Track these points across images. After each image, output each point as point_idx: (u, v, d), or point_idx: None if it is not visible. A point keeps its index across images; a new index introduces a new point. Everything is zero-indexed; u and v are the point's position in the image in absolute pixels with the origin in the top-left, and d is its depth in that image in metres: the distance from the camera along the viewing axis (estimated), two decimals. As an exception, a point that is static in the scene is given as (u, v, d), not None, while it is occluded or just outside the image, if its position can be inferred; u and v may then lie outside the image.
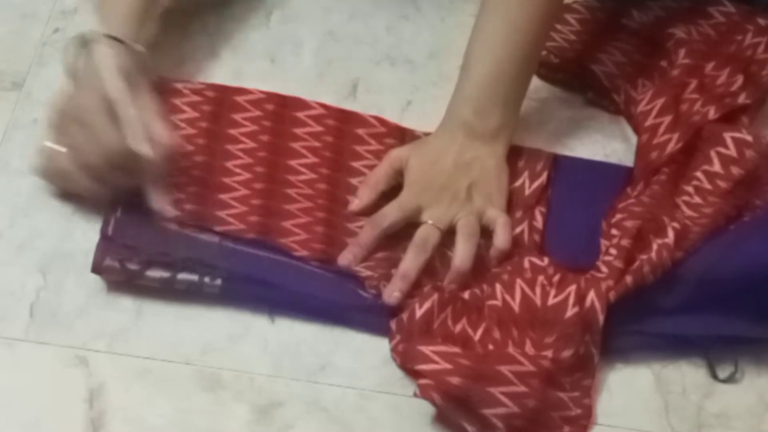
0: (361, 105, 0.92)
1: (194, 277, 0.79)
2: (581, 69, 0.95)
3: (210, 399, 0.77)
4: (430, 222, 0.83)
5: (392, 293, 0.80)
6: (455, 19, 0.99)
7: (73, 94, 0.80)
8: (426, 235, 0.82)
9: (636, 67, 0.95)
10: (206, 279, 0.79)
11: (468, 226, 0.83)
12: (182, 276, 0.79)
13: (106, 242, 0.80)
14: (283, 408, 0.77)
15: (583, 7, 0.99)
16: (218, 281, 0.79)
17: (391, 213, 0.83)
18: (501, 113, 0.85)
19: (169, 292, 0.80)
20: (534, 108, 0.94)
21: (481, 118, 0.85)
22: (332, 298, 0.81)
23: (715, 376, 0.82)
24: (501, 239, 0.83)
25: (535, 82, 0.95)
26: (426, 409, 0.78)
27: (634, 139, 0.93)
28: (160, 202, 0.80)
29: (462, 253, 0.82)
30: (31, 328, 0.79)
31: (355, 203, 0.85)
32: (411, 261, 0.81)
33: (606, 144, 0.93)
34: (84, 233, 0.82)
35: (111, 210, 0.81)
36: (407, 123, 0.92)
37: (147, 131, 0.78)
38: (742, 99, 0.89)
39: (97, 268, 0.79)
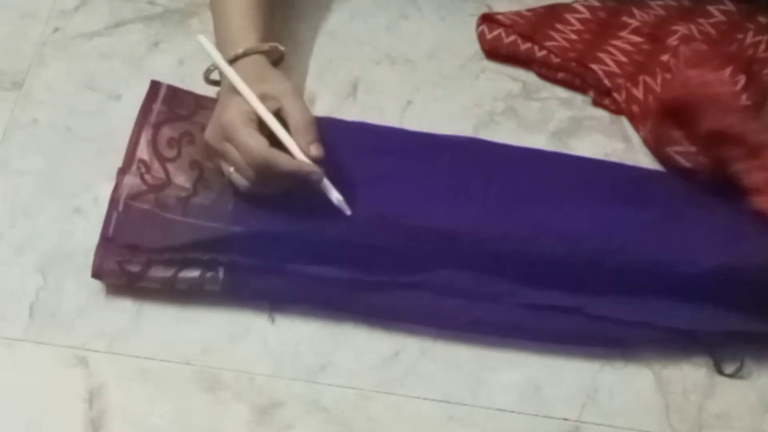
0: (361, 105, 0.92)
1: (195, 274, 0.79)
2: (582, 68, 0.95)
3: (210, 399, 0.77)
4: None
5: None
6: (455, 19, 0.99)
7: (216, 120, 0.82)
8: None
9: (637, 66, 0.95)
10: (208, 274, 0.79)
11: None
12: (183, 274, 0.79)
13: (105, 245, 0.80)
14: (283, 408, 0.77)
15: (584, 7, 0.99)
16: (220, 274, 0.79)
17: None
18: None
19: (170, 292, 0.80)
20: (534, 108, 0.94)
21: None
22: (337, 277, 0.80)
23: (721, 372, 0.82)
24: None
25: (535, 81, 0.96)
26: (426, 409, 0.78)
27: (634, 138, 0.93)
28: (336, 195, 0.80)
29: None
30: (31, 328, 0.79)
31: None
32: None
33: (606, 144, 0.93)
34: (84, 233, 0.82)
35: (111, 210, 0.81)
36: (407, 123, 0.92)
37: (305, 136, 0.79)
38: (743, 100, 0.89)
39: (97, 273, 0.79)
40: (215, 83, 0.88)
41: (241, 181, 0.80)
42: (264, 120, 0.80)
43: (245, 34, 0.85)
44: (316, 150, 0.79)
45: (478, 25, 0.98)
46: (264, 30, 0.87)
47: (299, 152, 0.79)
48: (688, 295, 0.82)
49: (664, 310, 0.82)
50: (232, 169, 0.81)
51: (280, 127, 0.80)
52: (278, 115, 0.81)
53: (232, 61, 0.84)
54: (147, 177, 0.83)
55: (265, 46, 0.86)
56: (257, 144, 0.78)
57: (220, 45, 0.86)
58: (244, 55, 0.84)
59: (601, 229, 0.83)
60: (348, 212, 0.80)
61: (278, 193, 0.81)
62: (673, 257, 0.82)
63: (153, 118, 0.87)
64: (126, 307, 0.80)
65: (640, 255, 0.82)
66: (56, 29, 0.94)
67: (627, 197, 0.85)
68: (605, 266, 0.81)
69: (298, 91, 0.83)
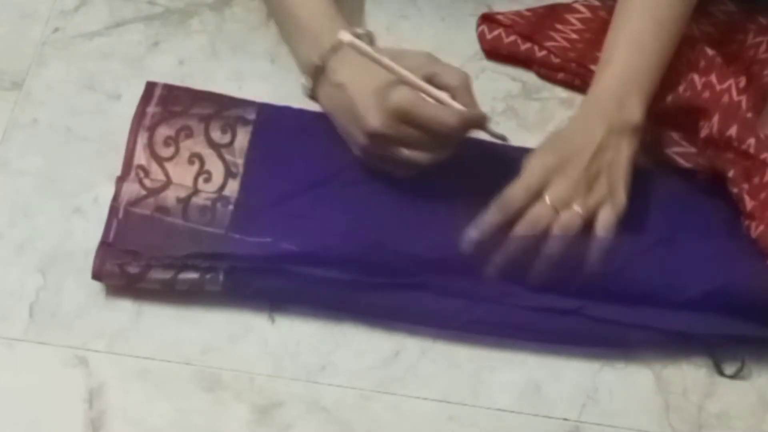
0: (362, 105, 0.92)
1: (195, 276, 0.79)
2: (582, 68, 0.95)
3: (210, 399, 0.77)
4: (548, 201, 0.80)
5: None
6: (455, 19, 0.99)
7: (381, 103, 0.79)
8: (538, 217, 0.79)
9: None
10: (208, 276, 0.79)
11: (569, 223, 0.80)
12: (183, 276, 0.79)
13: (106, 249, 0.80)
14: (283, 408, 0.77)
15: (584, 6, 0.98)
16: (220, 276, 0.79)
17: (516, 196, 0.80)
18: (641, 108, 0.84)
19: (170, 292, 0.80)
20: (534, 108, 0.94)
21: (623, 112, 0.83)
22: (338, 278, 0.80)
23: (721, 373, 0.82)
24: (600, 227, 0.81)
25: (535, 81, 0.96)
26: (426, 409, 0.78)
27: (634, 138, 0.93)
28: (502, 133, 0.83)
29: (549, 248, 0.80)
30: (31, 328, 0.79)
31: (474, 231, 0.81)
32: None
33: (606, 144, 0.93)
34: (84, 233, 0.82)
35: (111, 217, 0.81)
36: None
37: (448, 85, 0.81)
38: (744, 102, 0.89)
39: (97, 275, 0.79)
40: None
41: (423, 157, 0.80)
42: (424, 90, 0.80)
43: (336, 20, 0.86)
44: (479, 109, 0.82)
45: (478, 25, 0.98)
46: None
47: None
48: (685, 307, 0.82)
49: (663, 314, 0.82)
50: (407, 151, 0.80)
51: (443, 95, 0.80)
52: (432, 82, 0.81)
53: (346, 45, 0.81)
54: (146, 181, 0.83)
55: (364, 31, 0.87)
56: (449, 111, 0.79)
57: (307, 39, 0.85)
58: (360, 38, 0.82)
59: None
60: (511, 141, 0.84)
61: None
62: (666, 283, 0.82)
63: (147, 121, 0.86)
64: (126, 307, 0.80)
65: (635, 280, 0.82)
66: (56, 29, 0.94)
67: (626, 222, 0.84)
68: (601, 286, 0.82)
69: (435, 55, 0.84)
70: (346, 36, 0.80)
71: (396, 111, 0.79)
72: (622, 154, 0.83)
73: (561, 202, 0.80)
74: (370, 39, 0.88)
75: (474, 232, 0.80)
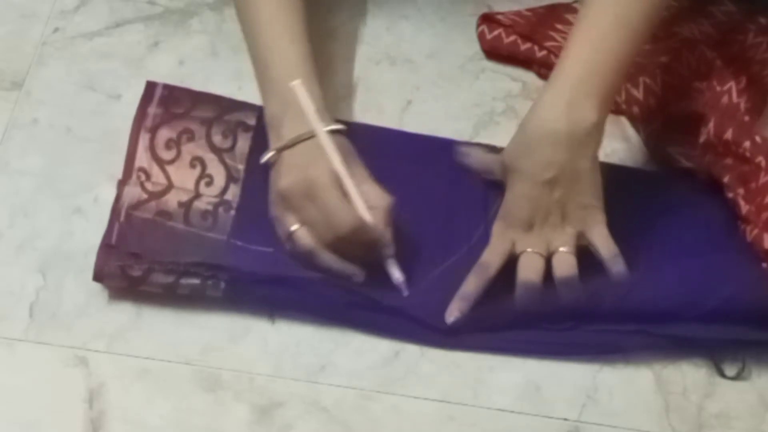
0: (361, 105, 0.92)
1: (197, 281, 0.79)
2: (582, 69, 0.95)
3: (210, 399, 0.77)
4: (529, 250, 0.81)
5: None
6: (455, 19, 0.99)
7: (300, 173, 0.79)
8: (530, 264, 0.80)
9: (637, 66, 0.95)
10: (209, 282, 0.79)
11: (564, 264, 0.80)
12: (185, 281, 0.79)
13: (107, 251, 0.79)
14: (283, 408, 0.77)
15: (584, 7, 0.98)
16: (221, 285, 0.79)
17: (492, 261, 0.81)
18: (597, 109, 0.79)
19: (171, 295, 0.80)
20: (534, 108, 0.94)
21: (575, 112, 0.78)
22: (338, 296, 0.80)
23: (722, 374, 0.82)
24: (604, 251, 0.81)
25: (535, 81, 0.96)
26: (426, 409, 0.78)
27: (634, 139, 0.93)
28: (398, 275, 0.80)
29: (565, 293, 0.80)
30: (31, 328, 0.79)
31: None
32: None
33: (606, 144, 0.92)
34: (84, 233, 0.82)
35: (114, 215, 0.81)
36: (407, 123, 0.92)
37: (368, 200, 0.78)
38: (743, 102, 0.89)
39: (98, 276, 0.79)
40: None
41: (306, 239, 0.79)
42: (346, 185, 0.78)
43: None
44: (386, 236, 0.79)
45: (478, 25, 0.98)
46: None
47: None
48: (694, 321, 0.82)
49: (661, 321, 0.82)
50: (296, 226, 0.79)
51: (360, 200, 0.78)
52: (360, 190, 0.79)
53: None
54: (147, 185, 0.83)
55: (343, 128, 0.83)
56: (350, 209, 0.77)
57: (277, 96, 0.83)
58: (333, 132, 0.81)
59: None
60: (405, 293, 0.81)
61: (331, 258, 0.80)
62: (663, 308, 0.82)
63: (149, 122, 0.86)
64: (126, 307, 0.80)
65: (630, 300, 0.81)
66: (56, 29, 0.94)
67: (628, 233, 0.84)
68: (596, 306, 0.82)
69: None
70: (299, 87, 0.80)
71: (307, 183, 0.78)
72: (581, 164, 0.79)
73: (541, 248, 0.81)
74: (342, 132, 0.83)
75: (457, 307, 0.80)
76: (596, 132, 0.80)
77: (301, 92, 0.81)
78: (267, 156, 0.82)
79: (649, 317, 0.81)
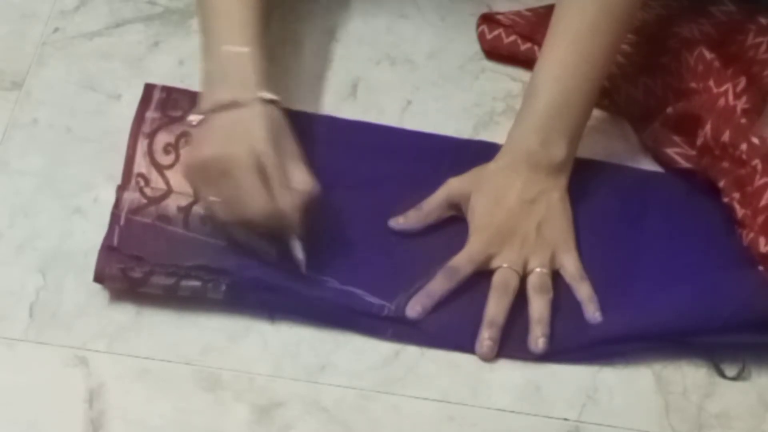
0: (361, 105, 0.92)
1: (198, 284, 0.79)
2: (581, 69, 0.95)
3: (210, 399, 0.77)
4: (505, 266, 0.82)
5: (484, 342, 0.80)
6: (455, 19, 0.99)
7: (221, 148, 0.77)
8: (505, 279, 0.81)
9: (636, 66, 0.95)
10: (210, 285, 0.79)
11: (539, 281, 0.82)
12: (186, 283, 0.79)
13: (108, 251, 0.79)
14: (283, 408, 0.77)
15: (584, 7, 0.98)
16: (222, 287, 0.79)
17: (463, 267, 0.81)
18: (566, 145, 0.84)
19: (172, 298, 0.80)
20: (534, 108, 0.94)
21: (547, 149, 0.84)
22: (339, 302, 0.80)
23: (723, 375, 0.82)
24: (582, 292, 0.83)
25: (536, 81, 0.95)
26: (426, 409, 0.78)
27: (634, 139, 0.93)
28: (300, 255, 0.79)
29: (539, 310, 0.81)
30: (31, 328, 0.79)
31: (399, 222, 0.84)
32: (496, 307, 0.80)
33: (606, 144, 0.93)
34: (84, 233, 0.82)
35: (115, 220, 0.81)
36: (407, 123, 0.92)
37: (290, 179, 0.77)
38: (742, 103, 0.89)
39: (99, 278, 0.79)
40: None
41: (220, 213, 0.79)
42: (268, 171, 0.76)
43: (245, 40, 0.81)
44: (298, 217, 0.78)
45: (478, 25, 0.98)
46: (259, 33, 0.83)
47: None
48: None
49: (659, 323, 0.82)
50: (213, 198, 0.78)
51: (280, 187, 0.77)
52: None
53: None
54: (146, 190, 0.83)
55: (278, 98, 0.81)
56: (262, 195, 0.76)
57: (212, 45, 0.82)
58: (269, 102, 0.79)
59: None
60: (303, 271, 0.79)
61: (246, 234, 0.79)
62: (662, 328, 0.82)
63: (147, 127, 0.86)
64: (126, 307, 0.80)
65: (625, 315, 0.82)
66: (56, 29, 0.94)
67: (631, 248, 0.86)
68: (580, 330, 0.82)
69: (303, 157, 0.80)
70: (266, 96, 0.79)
71: (225, 159, 0.76)
72: (553, 195, 0.84)
73: (517, 265, 0.82)
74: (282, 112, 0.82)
75: (420, 302, 0.81)
76: (565, 168, 0.85)
77: (240, 58, 0.79)
78: (193, 117, 0.80)
79: (643, 336, 0.82)
